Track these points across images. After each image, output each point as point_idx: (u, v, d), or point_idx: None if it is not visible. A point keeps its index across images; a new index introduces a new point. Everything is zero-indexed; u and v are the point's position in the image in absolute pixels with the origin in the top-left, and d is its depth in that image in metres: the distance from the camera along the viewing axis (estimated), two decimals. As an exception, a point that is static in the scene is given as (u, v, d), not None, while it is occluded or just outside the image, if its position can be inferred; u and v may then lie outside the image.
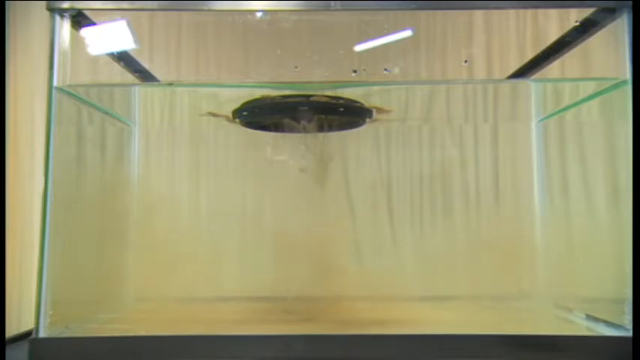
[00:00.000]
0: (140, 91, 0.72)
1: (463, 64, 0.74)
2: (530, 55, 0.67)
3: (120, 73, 0.64)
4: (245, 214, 0.75)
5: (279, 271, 0.71)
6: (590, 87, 0.58)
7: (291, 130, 0.64)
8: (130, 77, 0.65)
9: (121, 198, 0.70)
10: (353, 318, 0.61)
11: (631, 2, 0.48)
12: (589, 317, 0.56)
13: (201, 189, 0.76)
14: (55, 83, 0.50)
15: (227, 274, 0.71)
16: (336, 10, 0.50)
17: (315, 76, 0.66)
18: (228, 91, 0.63)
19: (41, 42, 1.02)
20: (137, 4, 0.51)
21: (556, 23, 0.83)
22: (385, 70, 0.71)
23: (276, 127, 0.63)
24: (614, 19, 0.50)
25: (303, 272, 0.69)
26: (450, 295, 0.68)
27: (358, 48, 0.66)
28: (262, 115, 0.62)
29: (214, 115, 0.65)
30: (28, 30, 1.04)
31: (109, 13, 0.55)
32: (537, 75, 0.67)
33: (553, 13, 0.84)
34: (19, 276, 0.99)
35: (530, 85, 0.71)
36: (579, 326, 0.57)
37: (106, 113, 0.65)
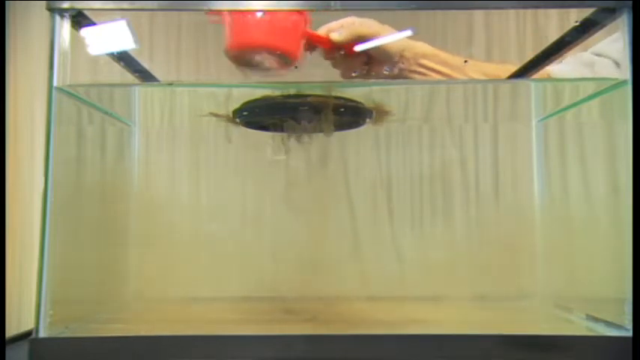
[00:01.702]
0: (140, 91, 0.72)
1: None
2: (530, 55, 0.67)
3: (120, 73, 0.64)
4: (245, 214, 0.75)
5: (279, 271, 0.71)
6: (590, 87, 0.58)
7: (292, 130, 0.64)
8: (130, 77, 0.65)
9: (121, 198, 0.70)
10: (353, 318, 0.61)
11: (631, 2, 0.48)
12: (589, 317, 0.56)
13: (201, 188, 0.76)
14: (55, 83, 0.50)
15: (227, 274, 0.71)
16: (336, 10, 0.50)
17: (315, 76, 0.66)
18: (228, 90, 0.63)
19: (41, 42, 1.02)
20: (137, 4, 0.51)
21: (556, 23, 0.83)
22: (385, 70, 0.71)
23: (276, 127, 0.63)
24: (614, 19, 0.50)
25: (302, 272, 0.69)
26: (449, 295, 0.68)
27: (358, 48, 0.66)
28: (262, 115, 0.62)
29: (216, 115, 0.65)
30: (28, 30, 1.04)
31: (109, 13, 0.55)
32: (537, 75, 0.67)
33: (553, 13, 0.84)
34: (19, 276, 0.99)
35: (530, 85, 0.71)
36: (579, 326, 0.57)
37: (106, 113, 0.65)
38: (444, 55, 0.72)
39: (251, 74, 0.62)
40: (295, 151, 0.66)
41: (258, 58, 0.60)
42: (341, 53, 0.67)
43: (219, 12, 0.60)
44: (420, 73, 0.71)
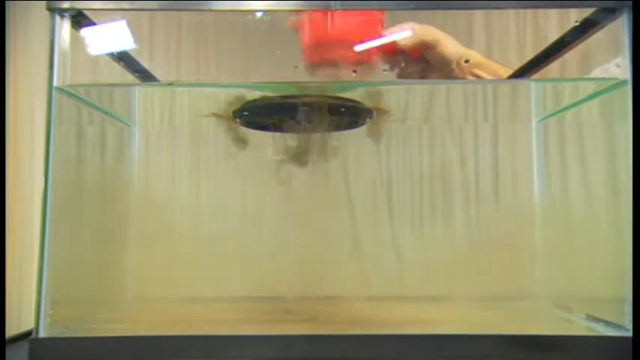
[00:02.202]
0: (140, 91, 0.72)
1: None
2: (530, 55, 0.67)
3: (120, 73, 0.64)
4: (244, 214, 0.75)
5: (279, 271, 0.71)
6: (590, 87, 0.58)
7: (291, 130, 0.64)
8: (130, 77, 0.65)
9: (121, 198, 0.70)
10: (353, 318, 0.61)
11: (631, 2, 0.48)
12: (589, 317, 0.56)
13: (201, 188, 0.76)
14: (55, 83, 0.50)
15: (227, 274, 0.71)
16: (337, 10, 0.50)
17: (315, 76, 0.66)
18: (228, 90, 0.63)
19: (41, 42, 1.02)
20: (137, 4, 0.51)
21: (556, 23, 0.83)
22: (385, 69, 0.71)
23: (275, 127, 0.63)
24: (614, 19, 0.50)
25: (302, 272, 0.69)
26: (449, 295, 0.68)
27: (358, 48, 0.66)
28: (262, 115, 0.62)
29: (217, 115, 0.65)
30: (28, 30, 1.04)
31: (109, 13, 0.55)
32: (537, 75, 0.67)
33: (553, 13, 0.84)
34: (19, 276, 0.99)
35: (530, 85, 0.71)
36: (579, 326, 0.57)
37: (106, 113, 0.65)
38: (494, 65, 0.72)
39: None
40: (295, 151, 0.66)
41: (336, 69, 0.61)
42: (401, 58, 0.68)
43: (297, 23, 0.60)
44: None
